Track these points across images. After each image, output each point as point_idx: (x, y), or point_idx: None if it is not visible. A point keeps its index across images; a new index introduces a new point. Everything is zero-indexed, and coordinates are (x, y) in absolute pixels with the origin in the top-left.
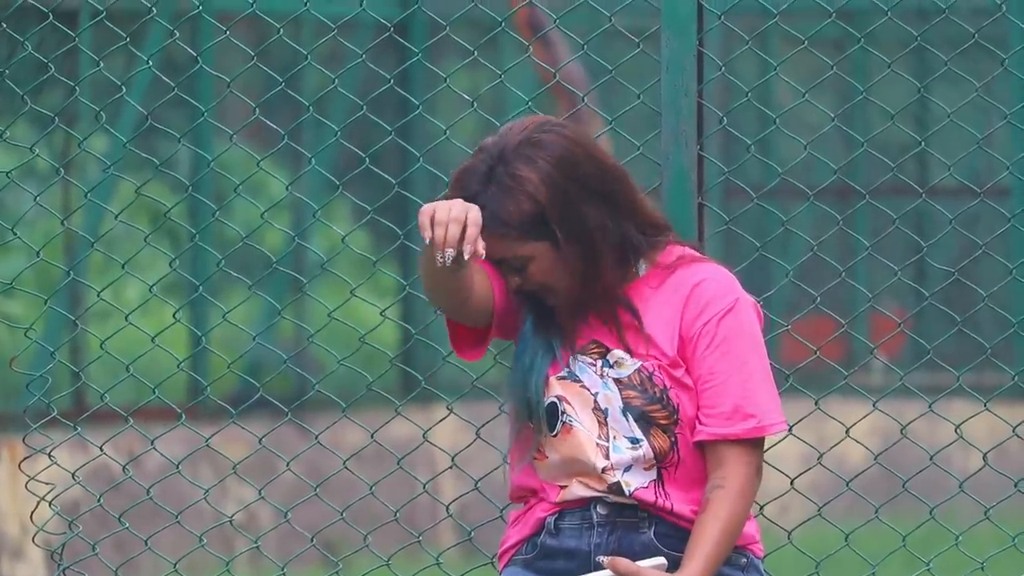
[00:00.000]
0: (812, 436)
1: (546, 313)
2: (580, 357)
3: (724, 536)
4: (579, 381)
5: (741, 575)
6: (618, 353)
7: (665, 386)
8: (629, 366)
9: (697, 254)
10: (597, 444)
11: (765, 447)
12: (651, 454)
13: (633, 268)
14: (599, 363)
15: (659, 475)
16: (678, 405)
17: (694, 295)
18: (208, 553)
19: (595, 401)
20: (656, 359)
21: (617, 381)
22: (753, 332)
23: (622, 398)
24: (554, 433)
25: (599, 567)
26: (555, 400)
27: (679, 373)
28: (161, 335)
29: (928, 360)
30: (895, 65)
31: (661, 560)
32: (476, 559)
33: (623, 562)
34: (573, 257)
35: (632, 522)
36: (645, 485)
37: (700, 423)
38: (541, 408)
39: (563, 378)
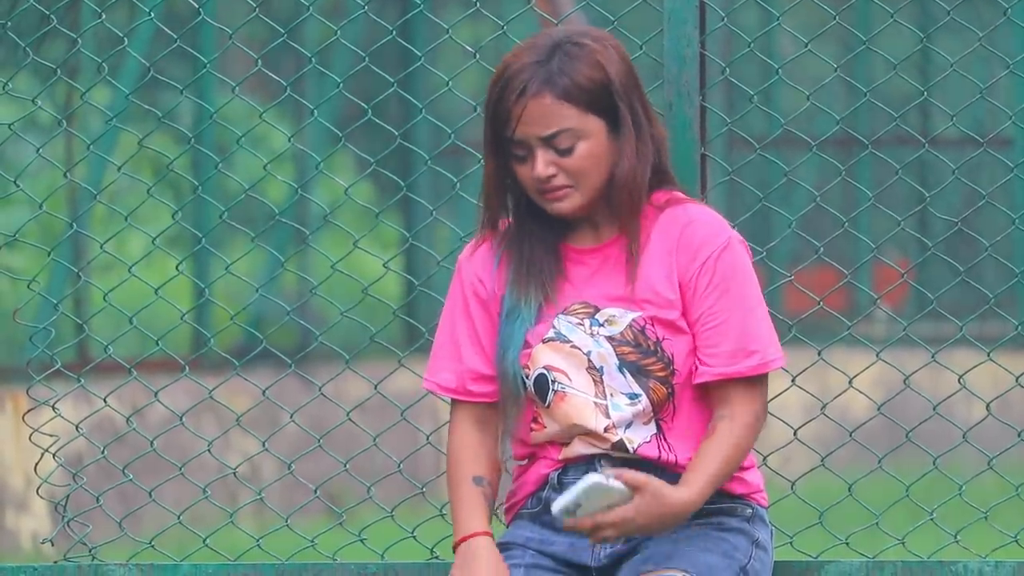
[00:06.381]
0: (815, 387)
1: (539, 249)
2: (565, 318)
3: (725, 462)
4: (569, 341)
5: (747, 525)
6: (608, 311)
7: (658, 338)
8: (620, 323)
9: (682, 195)
10: (595, 404)
11: (768, 397)
12: (650, 408)
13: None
14: (587, 322)
15: (659, 427)
16: (672, 356)
17: (685, 236)
18: (212, 505)
19: (589, 360)
20: (651, 303)
21: (609, 339)
22: (747, 269)
23: (617, 355)
24: (547, 404)
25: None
26: (543, 371)
27: (674, 315)
28: (164, 287)
29: (931, 310)
30: (898, 15)
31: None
32: None
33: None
34: (628, 141)
35: None
36: (648, 440)
37: (702, 363)
38: (520, 378)
39: (551, 340)
